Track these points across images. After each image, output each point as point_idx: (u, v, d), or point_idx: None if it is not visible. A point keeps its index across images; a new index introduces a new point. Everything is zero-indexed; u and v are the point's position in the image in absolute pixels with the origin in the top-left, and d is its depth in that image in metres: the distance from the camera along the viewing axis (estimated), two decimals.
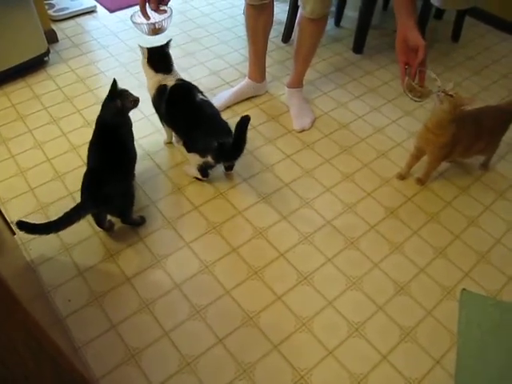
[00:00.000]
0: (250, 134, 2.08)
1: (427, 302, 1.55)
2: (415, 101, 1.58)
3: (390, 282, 1.60)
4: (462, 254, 1.70)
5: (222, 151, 1.69)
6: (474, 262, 1.68)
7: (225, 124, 1.78)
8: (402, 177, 1.94)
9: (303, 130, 2.15)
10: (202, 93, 1.85)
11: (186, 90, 1.84)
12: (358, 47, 2.69)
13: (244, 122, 1.62)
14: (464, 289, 1.59)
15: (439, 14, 3.04)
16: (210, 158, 1.73)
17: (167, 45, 1.82)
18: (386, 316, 1.51)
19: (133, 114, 1.68)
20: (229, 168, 1.92)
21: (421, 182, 1.93)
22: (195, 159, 1.78)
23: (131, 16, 1.74)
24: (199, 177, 1.86)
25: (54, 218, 1.73)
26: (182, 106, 1.80)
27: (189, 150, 1.80)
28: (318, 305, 1.52)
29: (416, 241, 1.73)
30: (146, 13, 1.66)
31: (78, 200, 1.77)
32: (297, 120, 2.18)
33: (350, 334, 1.46)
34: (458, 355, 1.43)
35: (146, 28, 1.73)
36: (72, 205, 1.74)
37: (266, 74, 2.33)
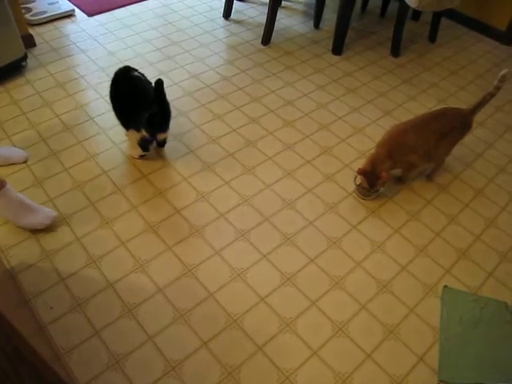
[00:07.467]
0: (230, 136, 2.11)
1: (409, 299, 1.57)
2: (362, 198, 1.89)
3: (372, 280, 1.62)
4: (442, 251, 1.73)
5: (154, 122, 1.78)
6: (454, 259, 1.71)
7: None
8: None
9: (37, 229, 1.68)
10: (137, 70, 1.93)
11: (123, 71, 1.93)
12: (337, 49, 2.71)
13: (158, 85, 1.69)
14: (446, 285, 1.61)
15: (416, 15, 3.09)
16: (144, 132, 1.80)
17: None
18: (369, 314, 1.52)
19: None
20: (161, 145, 2.00)
21: (401, 181, 1.95)
22: (134, 136, 1.86)
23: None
24: (142, 153, 1.95)
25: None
26: (118, 87, 1.92)
27: (127, 128, 1.89)
28: (301, 305, 1.53)
29: (397, 239, 1.75)
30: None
31: (60, 207, 1.75)
32: (22, 221, 1.66)
33: (333, 333, 1.47)
34: (440, 350, 1.45)
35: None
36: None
37: (247, 75, 2.32)
